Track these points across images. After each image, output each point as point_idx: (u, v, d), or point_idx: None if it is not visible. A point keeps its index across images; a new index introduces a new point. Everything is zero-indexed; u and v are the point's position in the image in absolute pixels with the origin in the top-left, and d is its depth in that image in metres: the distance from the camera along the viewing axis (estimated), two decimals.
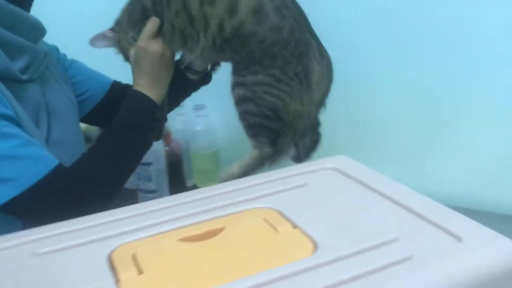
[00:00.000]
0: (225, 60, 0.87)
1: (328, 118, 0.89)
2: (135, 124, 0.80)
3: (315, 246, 0.42)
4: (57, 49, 0.95)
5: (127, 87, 0.98)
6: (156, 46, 0.82)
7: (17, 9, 0.73)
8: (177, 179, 1.24)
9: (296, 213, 0.47)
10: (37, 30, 0.79)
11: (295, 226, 0.45)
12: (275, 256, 0.41)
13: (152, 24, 0.82)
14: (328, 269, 0.38)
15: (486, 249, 0.40)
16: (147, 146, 0.84)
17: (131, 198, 1.17)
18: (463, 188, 1.10)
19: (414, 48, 1.08)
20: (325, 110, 0.88)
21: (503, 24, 0.98)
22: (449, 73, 1.07)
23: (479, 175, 1.08)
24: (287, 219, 0.47)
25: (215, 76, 1.31)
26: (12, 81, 0.73)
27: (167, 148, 1.23)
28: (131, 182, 0.95)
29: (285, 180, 0.56)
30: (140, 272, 0.40)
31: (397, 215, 0.46)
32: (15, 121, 0.71)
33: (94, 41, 0.88)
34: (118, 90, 0.99)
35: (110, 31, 0.89)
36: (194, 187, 1.29)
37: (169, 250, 0.43)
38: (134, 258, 0.42)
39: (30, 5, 0.78)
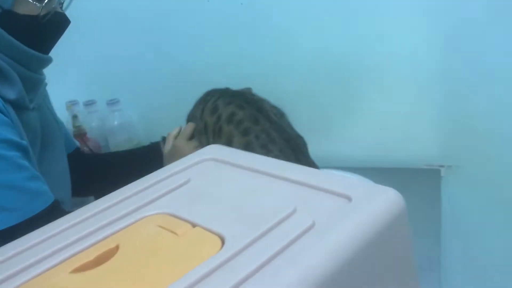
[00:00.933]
0: None
1: None
2: None
3: (222, 239, 0.41)
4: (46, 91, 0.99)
5: (84, 155, 1.11)
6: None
7: (37, 54, 0.82)
8: None
9: (190, 212, 0.46)
10: (46, 64, 0.87)
11: (194, 225, 0.44)
12: (183, 261, 0.39)
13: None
14: (242, 259, 0.37)
15: (374, 202, 0.43)
16: None
17: None
18: (375, 148, 1.16)
19: (320, 17, 1.10)
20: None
21: None
22: (353, 40, 1.11)
23: (387, 134, 1.15)
24: (184, 219, 0.45)
25: (127, 69, 1.33)
26: (20, 109, 0.80)
27: (85, 148, 1.20)
28: None
29: (166, 181, 0.53)
30: None
31: (286, 189, 0.48)
32: (27, 151, 0.77)
33: None
34: (77, 155, 1.06)
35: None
36: None
37: (62, 287, 0.38)
38: None
39: (50, 49, 0.86)
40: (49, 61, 0.86)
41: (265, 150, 0.91)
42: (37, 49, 0.81)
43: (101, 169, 1.07)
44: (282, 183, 0.49)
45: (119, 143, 1.31)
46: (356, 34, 1.10)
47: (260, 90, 1.07)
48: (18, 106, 0.79)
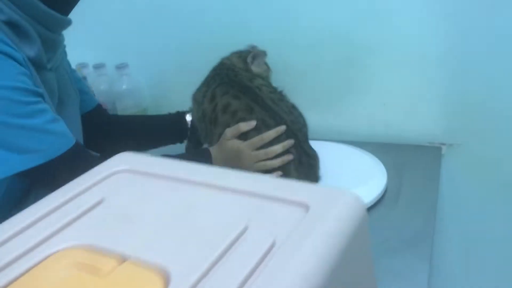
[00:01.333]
0: None
1: None
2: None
3: (164, 275, 0.32)
4: (65, 52, 1.00)
5: (106, 113, 1.14)
6: (251, 154, 0.92)
7: (56, 14, 0.82)
8: None
9: (115, 241, 0.36)
10: (66, 26, 0.87)
11: (123, 258, 0.34)
12: None
13: (245, 126, 0.93)
14: None
15: (334, 209, 0.38)
16: None
17: None
18: (378, 123, 1.16)
19: None
20: None
21: None
22: (359, 15, 1.08)
23: (391, 110, 1.14)
24: (108, 253, 0.35)
25: (136, 33, 1.34)
26: (38, 68, 0.81)
27: None
28: None
29: (75, 202, 0.43)
30: None
31: (230, 202, 0.40)
32: (44, 98, 0.79)
33: None
34: (99, 113, 1.09)
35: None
36: None
37: None
38: None
39: (70, 11, 0.86)
40: (68, 23, 0.87)
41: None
42: (57, 9, 0.82)
43: (120, 130, 1.10)
44: (223, 195, 0.42)
45: (126, 107, 1.32)
46: (363, 9, 1.09)
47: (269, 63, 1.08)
48: (36, 64, 0.80)
